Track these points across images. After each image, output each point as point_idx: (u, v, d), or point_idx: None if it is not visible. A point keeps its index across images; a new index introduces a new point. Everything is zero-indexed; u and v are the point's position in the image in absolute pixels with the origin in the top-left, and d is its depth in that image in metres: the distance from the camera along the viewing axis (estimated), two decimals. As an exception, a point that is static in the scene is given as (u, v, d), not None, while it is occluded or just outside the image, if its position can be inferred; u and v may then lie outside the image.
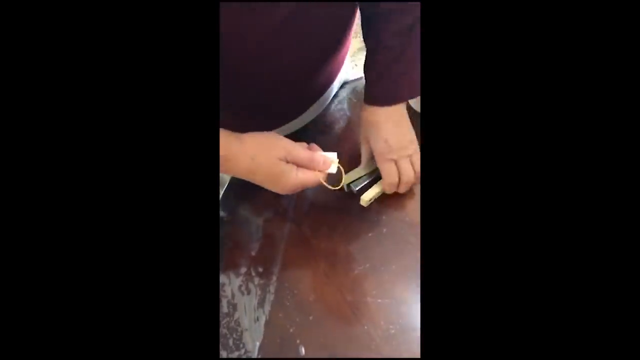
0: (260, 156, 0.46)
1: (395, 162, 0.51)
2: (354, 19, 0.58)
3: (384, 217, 0.54)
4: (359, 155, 0.63)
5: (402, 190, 0.53)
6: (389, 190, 0.53)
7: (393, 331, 0.45)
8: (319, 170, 0.49)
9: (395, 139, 0.51)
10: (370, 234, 0.53)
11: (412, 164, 0.52)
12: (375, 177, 0.55)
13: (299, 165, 0.48)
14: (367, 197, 0.53)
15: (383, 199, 0.56)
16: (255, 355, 0.46)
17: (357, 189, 0.54)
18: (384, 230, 0.53)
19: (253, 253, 0.54)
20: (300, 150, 0.48)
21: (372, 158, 0.54)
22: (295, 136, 0.65)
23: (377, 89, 0.52)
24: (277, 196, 0.59)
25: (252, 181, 0.49)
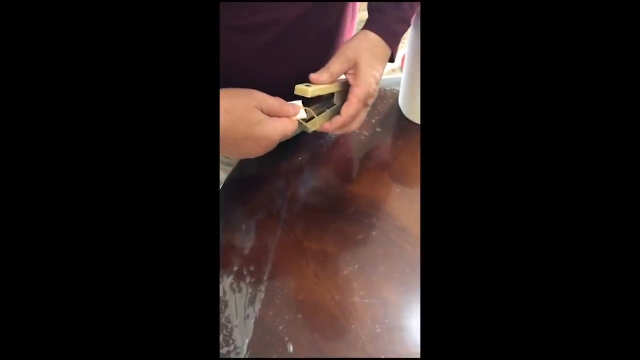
0: (234, 108, 0.46)
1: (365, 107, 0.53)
2: (341, 41, 0.61)
3: (374, 220, 0.56)
4: (353, 162, 0.64)
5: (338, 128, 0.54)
6: (336, 129, 0.53)
7: (379, 330, 0.46)
8: (290, 116, 0.50)
9: (377, 83, 0.53)
10: (360, 236, 0.54)
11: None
12: (329, 102, 0.55)
13: (272, 114, 0.48)
14: (316, 124, 0.53)
15: (375, 204, 0.58)
16: (244, 352, 0.47)
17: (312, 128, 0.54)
18: (374, 233, 0.55)
19: (245, 252, 0.55)
20: (271, 98, 0.48)
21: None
22: (291, 141, 0.67)
23: (391, 21, 0.53)
24: (270, 197, 0.60)
25: (228, 150, 0.48)
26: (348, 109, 0.51)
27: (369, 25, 0.54)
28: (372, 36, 0.52)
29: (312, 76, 0.50)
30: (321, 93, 0.52)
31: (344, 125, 0.53)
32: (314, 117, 0.53)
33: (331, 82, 0.52)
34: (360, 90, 0.51)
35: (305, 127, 0.52)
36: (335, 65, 0.51)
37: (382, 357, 0.45)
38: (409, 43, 0.61)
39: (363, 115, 0.55)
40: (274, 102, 0.48)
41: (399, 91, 0.70)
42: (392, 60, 0.56)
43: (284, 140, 0.50)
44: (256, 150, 0.49)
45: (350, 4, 0.60)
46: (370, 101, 0.53)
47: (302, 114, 0.51)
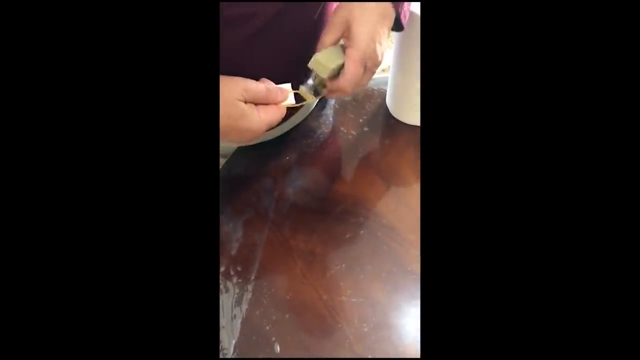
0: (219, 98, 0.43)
1: (365, 68, 0.48)
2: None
3: (362, 220, 0.56)
4: (340, 161, 0.64)
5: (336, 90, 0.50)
6: (332, 90, 0.50)
7: (366, 329, 0.46)
8: (277, 103, 0.47)
9: (376, 41, 0.47)
10: (347, 236, 0.54)
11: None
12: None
13: (258, 101, 0.46)
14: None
15: (363, 203, 0.58)
16: (231, 352, 0.46)
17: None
18: (361, 232, 0.55)
19: (232, 252, 0.54)
20: (255, 84, 0.46)
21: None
22: (279, 139, 0.67)
23: None
24: (257, 197, 0.60)
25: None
26: (345, 75, 0.48)
27: None
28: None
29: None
30: (335, 67, 0.48)
31: (340, 90, 0.49)
32: (305, 100, 0.51)
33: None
34: (355, 52, 0.46)
35: (308, 103, 0.50)
36: (327, 36, 0.48)
37: (370, 356, 0.45)
38: (396, 42, 0.61)
39: (364, 80, 0.50)
40: (260, 89, 0.46)
41: (386, 90, 0.70)
42: (400, 27, 0.51)
43: (271, 127, 0.49)
44: (241, 140, 0.48)
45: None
46: (371, 63, 0.48)
47: (290, 99, 0.49)
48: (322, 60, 0.47)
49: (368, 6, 0.47)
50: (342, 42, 0.50)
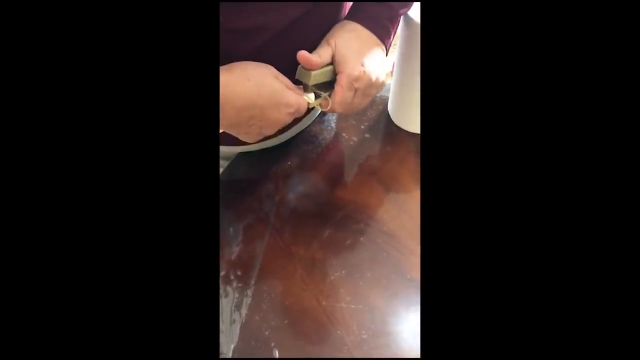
0: (256, 76, 0.46)
1: (355, 91, 0.51)
2: None
3: (362, 226, 0.56)
4: (342, 167, 0.65)
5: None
6: (326, 109, 0.53)
7: (365, 336, 0.46)
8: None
9: (365, 65, 0.50)
10: (348, 242, 0.54)
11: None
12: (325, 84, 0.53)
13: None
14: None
15: (363, 210, 0.58)
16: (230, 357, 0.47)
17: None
18: (362, 239, 0.55)
19: (232, 257, 0.55)
20: (283, 75, 0.49)
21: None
22: (281, 144, 0.67)
23: (369, 8, 0.52)
24: (259, 201, 0.60)
25: (250, 124, 0.48)
26: (335, 98, 0.51)
27: (346, 17, 0.54)
28: (350, 24, 0.52)
29: (303, 54, 0.49)
30: (321, 79, 0.51)
31: (332, 110, 0.53)
32: (319, 97, 0.53)
33: (321, 64, 0.51)
34: (343, 77, 0.50)
35: (317, 106, 0.53)
36: (322, 50, 0.51)
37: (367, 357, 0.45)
38: (398, 50, 0.61)
39: (358, 101, 0.53)
40: (287, 79, 0.49)
41: (388, 97, 0.71)
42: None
43: (297, 116, 0.51)
44: (278, 120, 0.49)
45: (344, 12, 0.60)
46: (362, 86, 0.51)
47: (311, 97, 0.51)
48: (306, 69, 0.50)
49: (353, 35, 0.51)
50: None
